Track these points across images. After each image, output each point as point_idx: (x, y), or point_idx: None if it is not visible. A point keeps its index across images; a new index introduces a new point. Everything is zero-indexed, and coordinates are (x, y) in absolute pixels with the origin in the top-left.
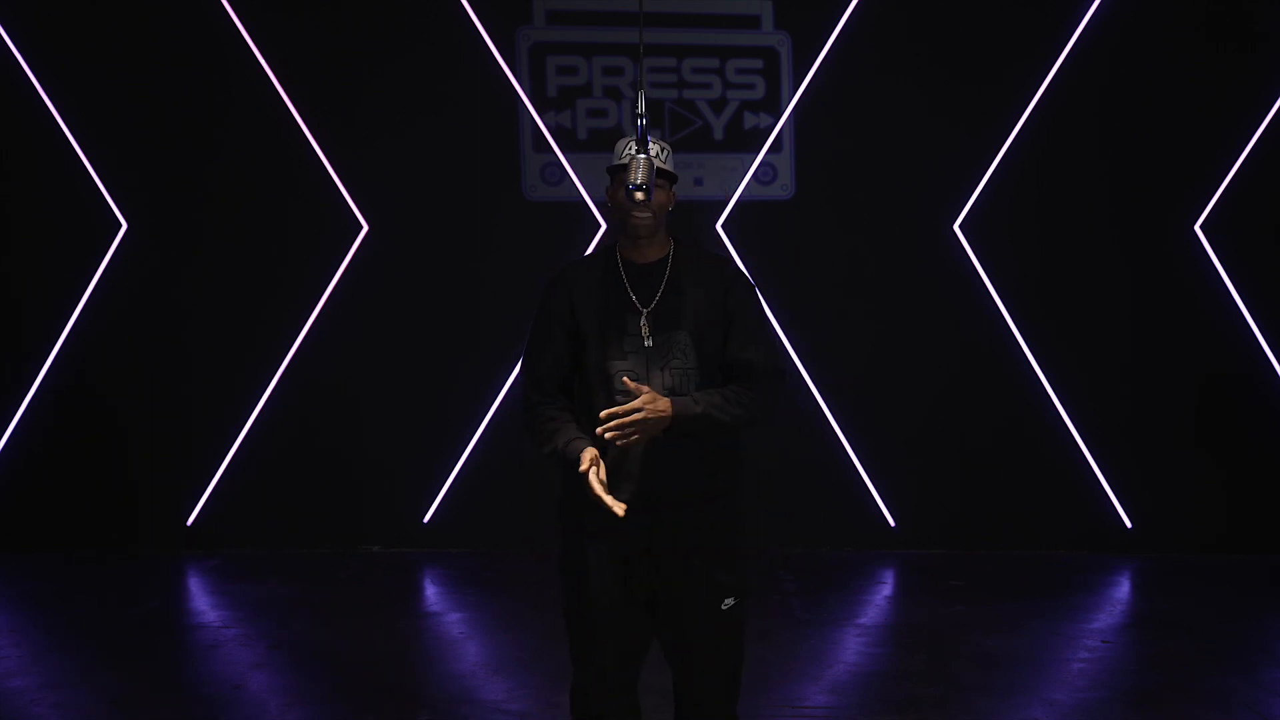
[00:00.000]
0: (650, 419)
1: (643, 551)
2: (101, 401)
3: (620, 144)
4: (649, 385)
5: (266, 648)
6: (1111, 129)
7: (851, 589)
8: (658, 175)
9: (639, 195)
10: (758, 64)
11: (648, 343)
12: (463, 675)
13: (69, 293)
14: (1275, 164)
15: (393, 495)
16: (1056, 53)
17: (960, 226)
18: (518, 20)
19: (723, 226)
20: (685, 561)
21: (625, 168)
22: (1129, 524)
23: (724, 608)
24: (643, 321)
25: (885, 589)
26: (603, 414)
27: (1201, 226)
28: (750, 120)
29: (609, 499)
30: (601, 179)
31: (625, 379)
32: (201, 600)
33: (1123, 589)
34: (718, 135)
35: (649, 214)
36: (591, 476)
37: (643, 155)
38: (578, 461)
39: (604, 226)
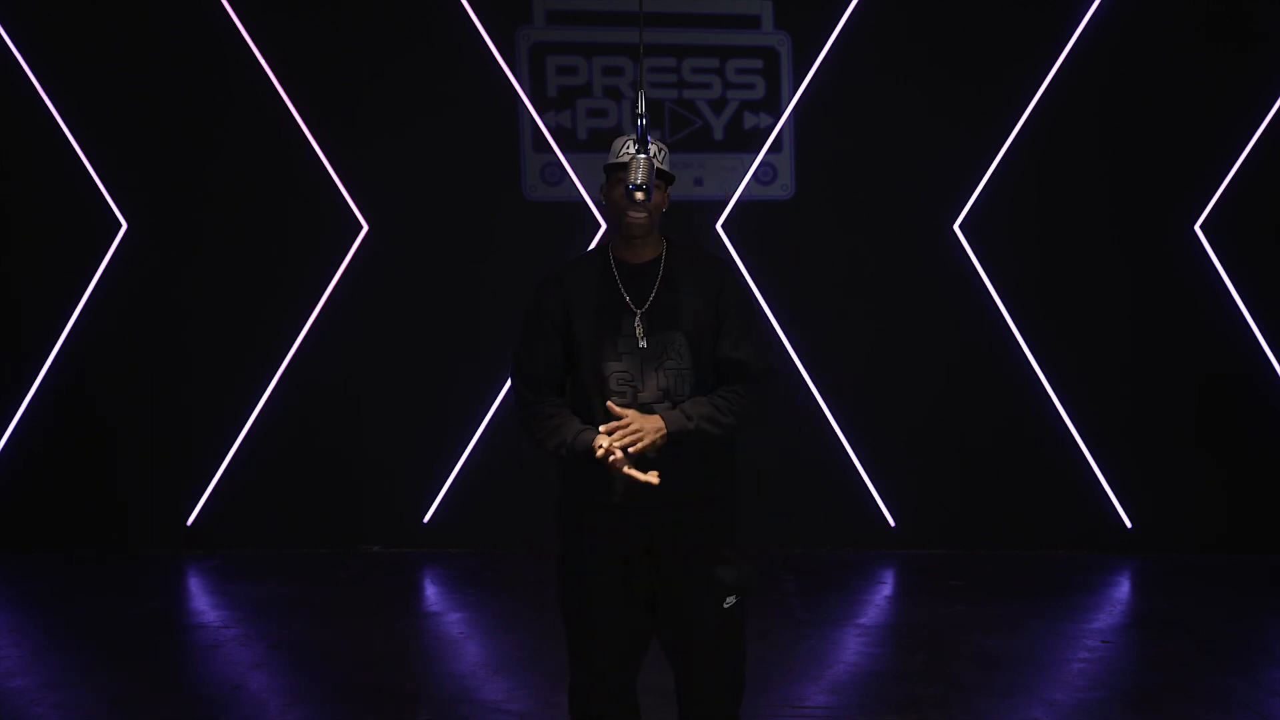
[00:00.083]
0: (648, 431)
1: (642, 551)
2: (102, 401)
3: (617, 143)
4: (644, 386)
5: (266, 648)
6: (1111, 129)
7: (851, 589)
8: (656, 176)
9: (639, 195)
10: (758, 64)
11: (642, 343)
12: (463, 675)
13: (69, 293)
14: (1275, 164)
15: (393, 495)
16: (1056, 53)
17: (960, 226)
18: (518, 20)
19: (723, 226)
20: (685, 561)
21: (623, 166)
22: (1129, 524)
23: (725, 606)
24: (637, 322)
25: (885, 589)
26: (603, 429)
27: (1201, 226)
28: (750, 120)
29: (640, 474)
30: (602, 179)
31: (610, 404)
32: (201, 600)
33: (1123, 589)
34: (718, 135)
35: (645, 214)
36: (615, 455)
37: (643, 155)
38: (591, 451)
39: (604, 226)
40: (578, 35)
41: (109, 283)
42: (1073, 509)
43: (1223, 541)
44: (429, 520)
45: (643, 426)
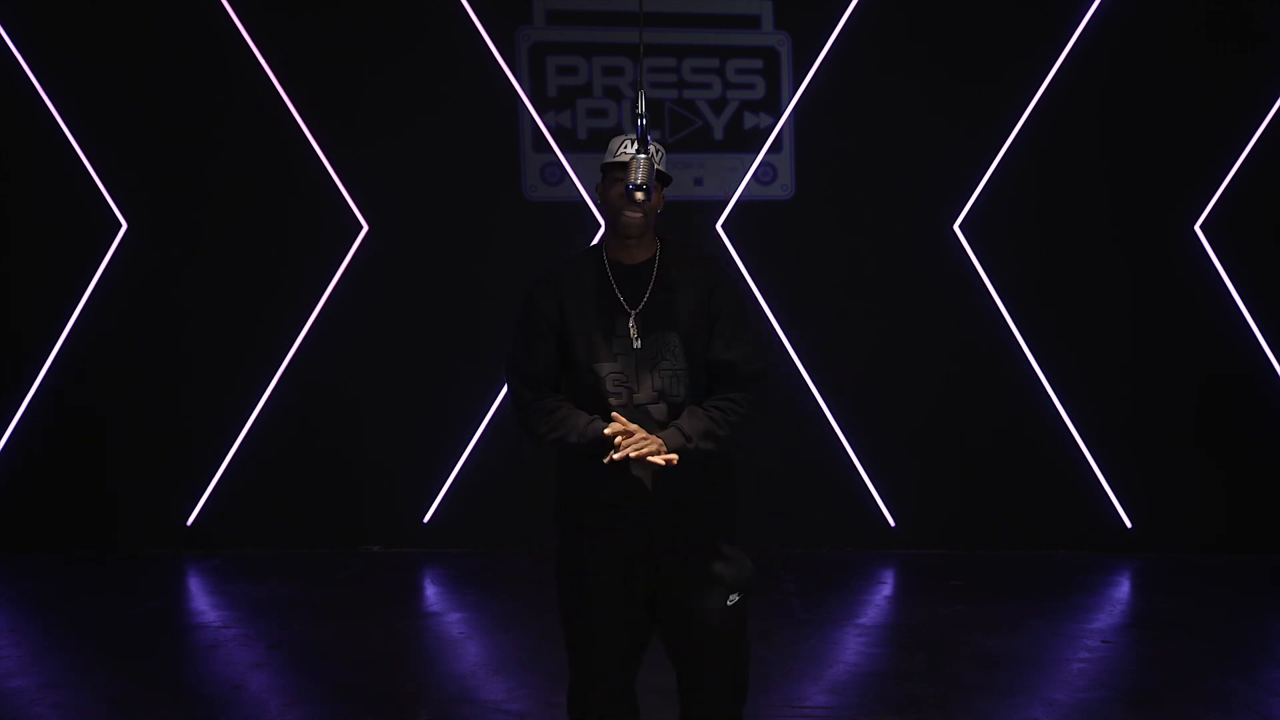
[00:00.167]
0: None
1: (642, 551)
2: (102, 402)
3: (614, 142)
4: (639, 386)
5: (266, 648)
6: (1111, 129)
7: (851, 589)
8: (655, 176)
9: (639, 195)
10: (758, 64)
11: (636, 344)
12: (463, 675)
13: (69, 293)
14: (1275, 164)
15: (393, 495)
16: (1056, 53)
17: (960, 226)
18: (518, 20)
19: (723, 226)
20: (685, 560)
21: (622, 166)
22: (1129, 524)
23: (729, 604)
24: (631, 323)
25: (885, 589)
26: (607, 430)
27: (1201, 226)
28: (750, 120)
29: (660, 458)
30: (600, 179)
31: (616, 417)
32: (201, 600)
33: (1123, 589)
34: (718, 135)
35: (641, 214)
36: (636, 437)
37: (643, 155)
38: (604, 439)
39: (604, 226)
40: (578, 35)
41: (109, 283)
42: (1072, 509)
43: (1223, 541)
44: (429, 520)
45: (650, 439)
